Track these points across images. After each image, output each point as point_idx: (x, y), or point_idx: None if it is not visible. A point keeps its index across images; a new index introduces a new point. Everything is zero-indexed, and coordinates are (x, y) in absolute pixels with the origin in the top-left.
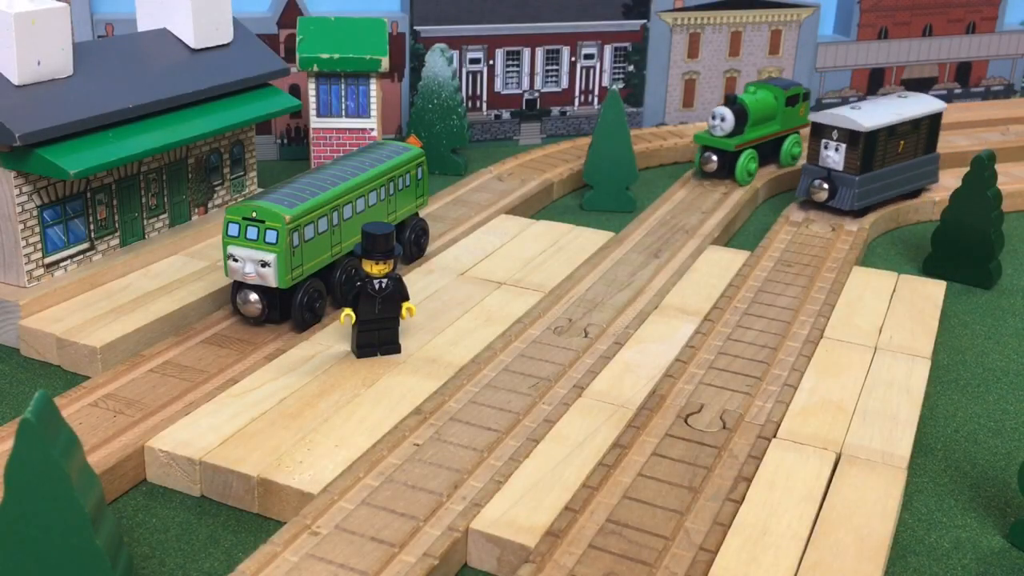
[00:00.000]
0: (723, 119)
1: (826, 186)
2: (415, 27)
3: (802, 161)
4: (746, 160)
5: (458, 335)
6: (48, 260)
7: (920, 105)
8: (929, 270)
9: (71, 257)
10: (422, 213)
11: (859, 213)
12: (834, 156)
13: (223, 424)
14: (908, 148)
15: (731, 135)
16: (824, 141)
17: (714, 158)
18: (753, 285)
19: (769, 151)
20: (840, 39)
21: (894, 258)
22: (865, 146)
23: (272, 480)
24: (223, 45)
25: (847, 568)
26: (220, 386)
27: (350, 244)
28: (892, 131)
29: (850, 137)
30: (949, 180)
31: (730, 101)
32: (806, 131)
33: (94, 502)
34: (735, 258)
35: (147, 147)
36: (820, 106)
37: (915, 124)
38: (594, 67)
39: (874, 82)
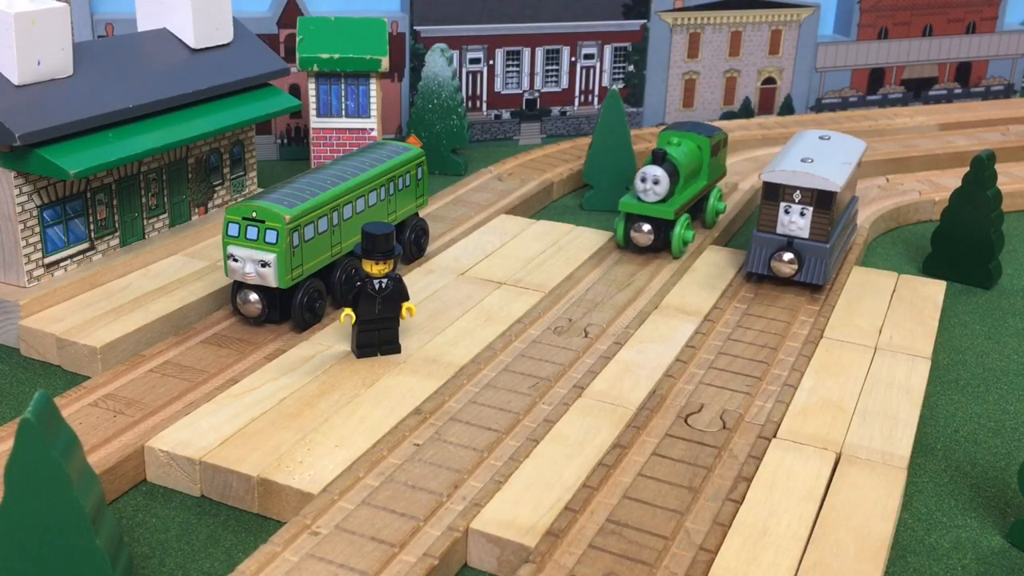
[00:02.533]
0: (656, 182)
1: (790, 256)
2: (415, 27)
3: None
4: (682, 227)
5: (458, 335)
6: (48, 260)
7: (851, 145)
8: (929, 270)
9: (71, 257)
10: (422, 213)
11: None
12: (799, 222)
13: (223, 424)
14: (845, 198)
15: (664, 199)
16: (784, 205)
17: (646, 228)
18: (753, 285)
19: (695, 210)
20: (840, 39)
21: (894, 258)
22: (834, 207)
23: (272, 480)
24: (223, 45)
25: (847, 568)
26: (220, 386)
27: (350, 244)
28: (847, 183)
29: (819, 198)
30: (949, 180)
31: (659, 158)
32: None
33: (94, 502)
34: (735, 258)
35: (147, 147)
36: (820, 106)
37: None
38: (594, 67)
39: (874, 82)
